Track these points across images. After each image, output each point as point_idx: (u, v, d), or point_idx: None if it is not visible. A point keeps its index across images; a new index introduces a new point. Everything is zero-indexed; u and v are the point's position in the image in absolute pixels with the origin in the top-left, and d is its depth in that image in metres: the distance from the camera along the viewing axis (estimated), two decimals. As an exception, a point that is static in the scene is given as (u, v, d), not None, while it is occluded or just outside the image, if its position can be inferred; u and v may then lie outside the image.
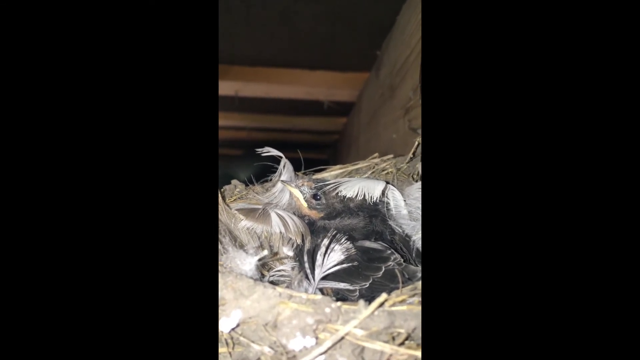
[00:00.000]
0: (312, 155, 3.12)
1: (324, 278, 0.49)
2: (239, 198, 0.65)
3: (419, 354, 0.36)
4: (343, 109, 2.21)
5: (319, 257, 0.50)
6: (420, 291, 0.41)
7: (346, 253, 0.50)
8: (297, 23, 1.50)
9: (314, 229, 0.60)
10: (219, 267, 0.43)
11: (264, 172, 0.69)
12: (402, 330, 0.37)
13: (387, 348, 0.36)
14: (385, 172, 0.75)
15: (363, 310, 0.37)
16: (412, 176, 0.71)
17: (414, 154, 0.72)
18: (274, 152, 0.64)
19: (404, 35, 1.15)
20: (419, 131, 0.73)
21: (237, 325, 0.39)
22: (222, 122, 2.55)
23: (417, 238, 0.55)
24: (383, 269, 0.49)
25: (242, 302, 0.39)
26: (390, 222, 0.60)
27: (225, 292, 0.39)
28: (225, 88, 2.08)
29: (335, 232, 0.53)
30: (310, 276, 0.49)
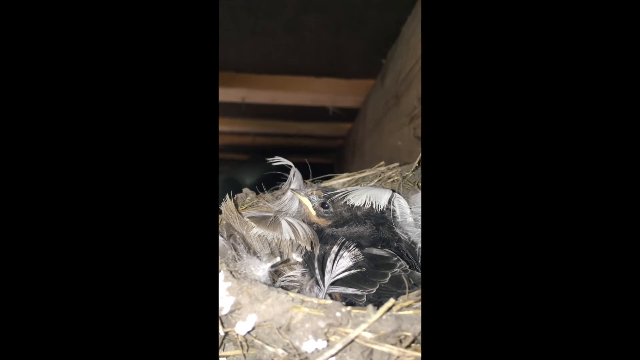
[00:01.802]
0: (318, 160, 3.15)
1: (333, 284, 0.51)
2: (250, 206, 0.68)
3: (418, 353, 0.38)
4: (348, 114, 2.24)
5: (328, 264, 0.52)
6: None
7: (354, 260, 0.52)
8: (303, 32, 1.53)
9: (323, 236, 0.62)
10: (235, 273, 0.45)
11: (272, 180, 0.72)
12: (408, 334, 0.39)
13: (395, 350, 0.38)
14: (391, 180, 0.78)
15: (372, 315, 0.39)
16: (417, 184, 0.73)
17: (419, 162, 0.74)
18: (284, 161, 0.66)
19: (409, 46, 1.17)
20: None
21: (253, 329, 0.41)
22: (229, 127, 2.59)
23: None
24: (389, 275, 0.51)
25: (257, 307, 0.41)
26: (397, 230, 0.62)
27: (241, 297, 0.42)
28: (232, 95, 2.11)
29: (343, 239, 0.55)
30: (320, 282, 0.51)
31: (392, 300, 0.40)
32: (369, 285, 0.51)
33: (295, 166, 0.69)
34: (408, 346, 0.39)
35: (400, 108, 1.26)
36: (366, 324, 0.38)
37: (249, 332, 0.41)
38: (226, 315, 0.43)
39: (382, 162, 0.81)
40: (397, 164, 0.79)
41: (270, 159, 0.67)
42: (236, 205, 0.62)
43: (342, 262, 0.52)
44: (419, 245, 0.57)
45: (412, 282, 0.49)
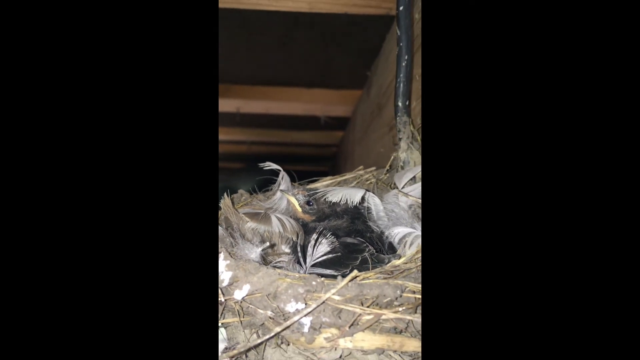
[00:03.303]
0: (312, 168, 3.26)
1: (313, 265, 0.62)
2: (245, 204, 0.79)
3: (380, 312, 0.49)
4: (339, 123, 2.36)
5: (309, 249, 0.63)
6: (384, 269, 0.54)
7: (331, 246, 0.63)
8: (294, 47, 1.65)
9: (307, 230, 0.73)
10: (232, 254, 0.56)
11: (265, 183, 0.83)
12: (368, 297, 0.50)
13: (358, 309, 0.49)
14: (369, 182, 0.89)
15: (340, 283, 0.50)
16: (389, 185, 0.85)
17: (390, 166, 0.86)
18: (274, 166, 0.77)
19: (388, 62, 1.29)
20: (397, 147, 0.86)
21: (247, 295, 0.52)
22: (224, 136, 2.69)
23: (388, 234, 0.68)
24: (360, 259, 0.62)
25: (250, 279, 0.52)
26: (370, 223, 0.73)
27: (237, 271, 0.53)
28: (228, 105, 2.22)
29: (322, 228, 0.66)
30: (302, 263, 0.62)
31: (355, 272, 0.51)
32: (343, 267, 0.62)
33: (289, 172, 0.80)
34: (368, 306, 0.50)
35: (382, 118, 1.37)
36: (335, 289, 0.49)
37: (243, 299, 0.52)
38: (226, 286, 0.53)
39: (361, 167, 0.93)
40: (373, 168, 0.91)
41: (262, 164, 0.78)
42: (233, 203, 0.73)
43: (321, 248, 0.63)
44: (386, 234, 0.68)
45: (376, 261, 0.60)
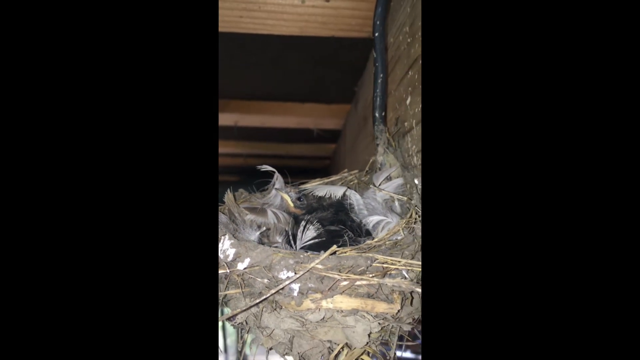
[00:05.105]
0: (305, 180, 3.37)
1: (302, 248, 0.75)
2: (244, 200, 0.92)
3: (354, 276, 0.61)
4: (330, 135, 2.50)
5: (298, 234, 0.75)
6: (359, 247, 0.67)
7: (317, 232, 0.76)
8: (287, 65, 1.80)
9: (297, 221, 0.86)
10: (236, 236, 0.69)
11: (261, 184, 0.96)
12: (345, 266, 0.63)
13: (337, 275, 0.62)
14: (352, 182, 1.02)
15: (322, 255, 0.63)
16: (370, 185, 0.98)
17: (370, 168, 0.99)
18: (269, 168, 0.91)
19: (372, 79, 1.43)
20: (375, 152, 1.00)
21: (248, 266, 0.64)
22: (222, 149, 2.82)
23: (365, 222, 0.81)
24: (340, 242, 0.75)
25: (250, 253, 0.64)
26: (351, 214, 0.86)
27: (240, 248, 0.65)
28: (226, 119, 2.35)
29: (309, 217, 0.79)
30: (293, 246, 0.75)
31: (334, 247, 0.64)
32: (327, 249, 0.75)
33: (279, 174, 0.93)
34: (345, 273, 0.62)
35: (367, 129, 1.51)
36: (319, 259, 0.62)
37: (245, 270, 0.65)
38: (230, 261, 0.66)
39: (346, 170, 1.06)
40: (356, 171, 1.04)
41: (259, 166, 0.91)
42: (235, 198, 0.86)
43: (308, 233, 0.75)
44: (364, 222, 0.81)
45: (354, 242, 0.73)
